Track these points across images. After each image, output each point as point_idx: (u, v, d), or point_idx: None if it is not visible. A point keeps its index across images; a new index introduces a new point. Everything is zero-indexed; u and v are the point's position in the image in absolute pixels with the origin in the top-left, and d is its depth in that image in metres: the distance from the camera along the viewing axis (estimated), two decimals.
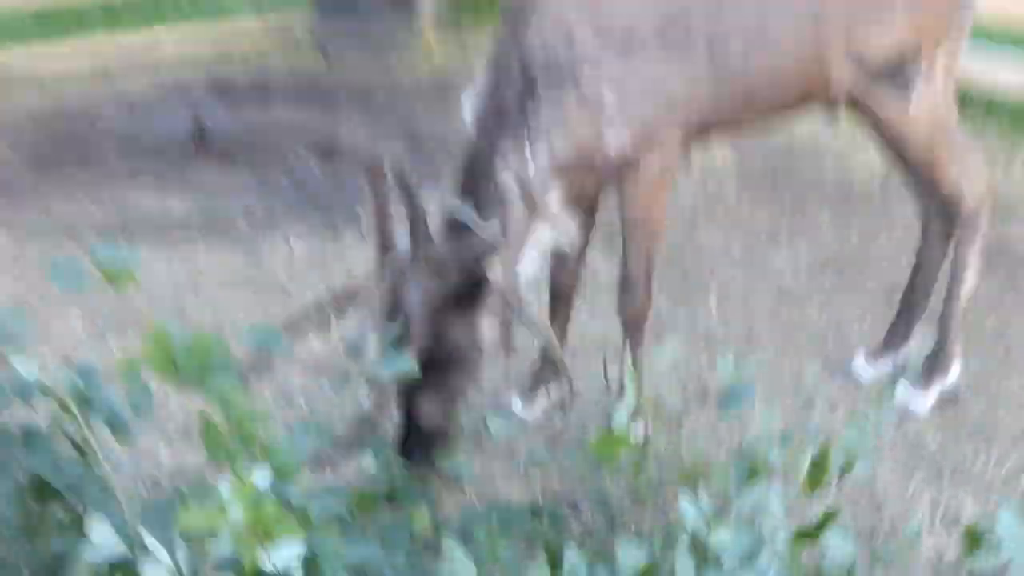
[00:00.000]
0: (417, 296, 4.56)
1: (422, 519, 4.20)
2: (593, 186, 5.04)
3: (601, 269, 6.41)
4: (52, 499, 3.88)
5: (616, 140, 4.83)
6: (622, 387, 5.05)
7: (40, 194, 7.86)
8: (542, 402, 5.55)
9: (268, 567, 3.38)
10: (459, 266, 4.60)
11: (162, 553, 3.43)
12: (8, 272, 6.75)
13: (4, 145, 8.65)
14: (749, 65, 4.98)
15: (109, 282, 4.01)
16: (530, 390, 5.57)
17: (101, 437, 3.87)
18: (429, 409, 4.69)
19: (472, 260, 4.60)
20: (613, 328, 5.38)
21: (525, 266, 4.86)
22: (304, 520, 3.60)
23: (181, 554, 3.42)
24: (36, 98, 9.40)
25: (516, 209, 4.75)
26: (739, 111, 5.10)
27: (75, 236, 7.22)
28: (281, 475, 3.59)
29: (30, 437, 3.89)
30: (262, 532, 3.43)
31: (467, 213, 4.72)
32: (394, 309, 4.56)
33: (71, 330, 6.11)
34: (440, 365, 4.65)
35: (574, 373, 5.32)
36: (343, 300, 4.63)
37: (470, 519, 4.32)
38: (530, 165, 4.77)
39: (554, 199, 4.89)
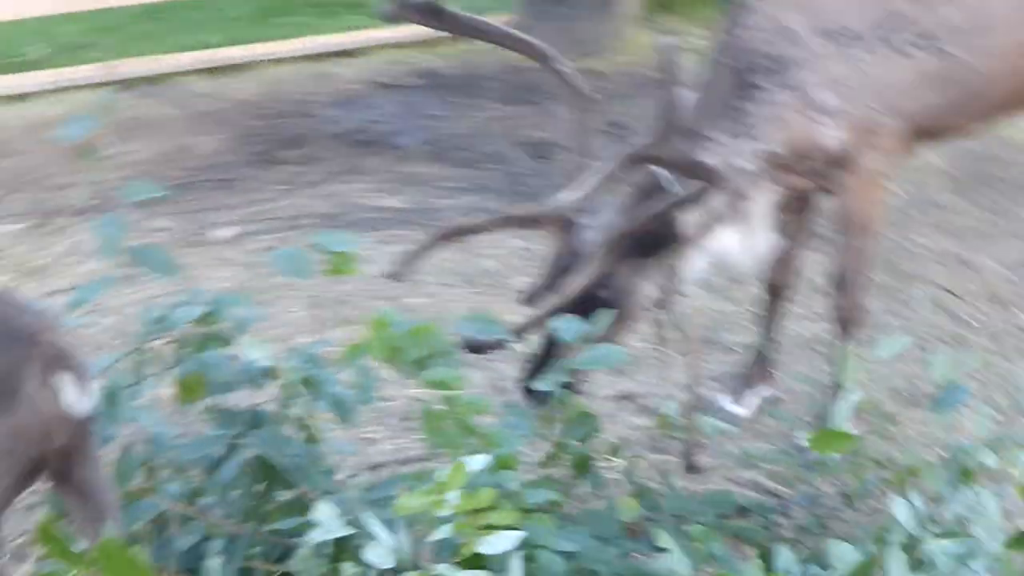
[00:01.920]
0: (599, 229, 4.50)
1: (631, 508, 4.15)
2: (807, 187, 4.93)
3: (814, 270, 6.29)
4: (276, 480, 3.91)
5: (834, 139, 4.73)
6: (835, 386, 4.93)
7: (263, 187, 7.99)
8: (752, 400, 5.46)
9: (485, 552, 3.37)
10: (649, 211, 4.50)
11: (384, 535, 3.44)
12: (235, 263, 6.86)
13: (227, 138, 8.81)
14: (979, 61, 4.83)
15: (332, 271, 4.05)
16: (739, 388, 5.48)
17: (325, 421, 3.91)
18: None
19: (664, 209, 4.50)
20: (825, 329, 5.28)
21: (695, 264, 4.77)
22: (520, 508, 3.58)
23: (402, 536, 3.42)
24: (254, 91, 9.56)
25: (716, 195, 4.65)
26: (968, 111, 4.95)
27: (297, 228, 7.31)
28: (502, 464, 3.59)
29: (257, 419, 3.93)
30: (479, 518, 3.42)
31: (666, 177, 4.63)
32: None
33: (294, 319, 6.18)
34: (595, 304, 4.54)
35: (784, 371, 5.25)
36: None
37: (679, 509, 4.26)
38: (740, 161, 4.69)
39: (763, 201, 4.80)
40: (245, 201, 7.76)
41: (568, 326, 4.09)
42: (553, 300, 4.45)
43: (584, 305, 4.41)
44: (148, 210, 7.19)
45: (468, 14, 4.74)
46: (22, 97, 9.43)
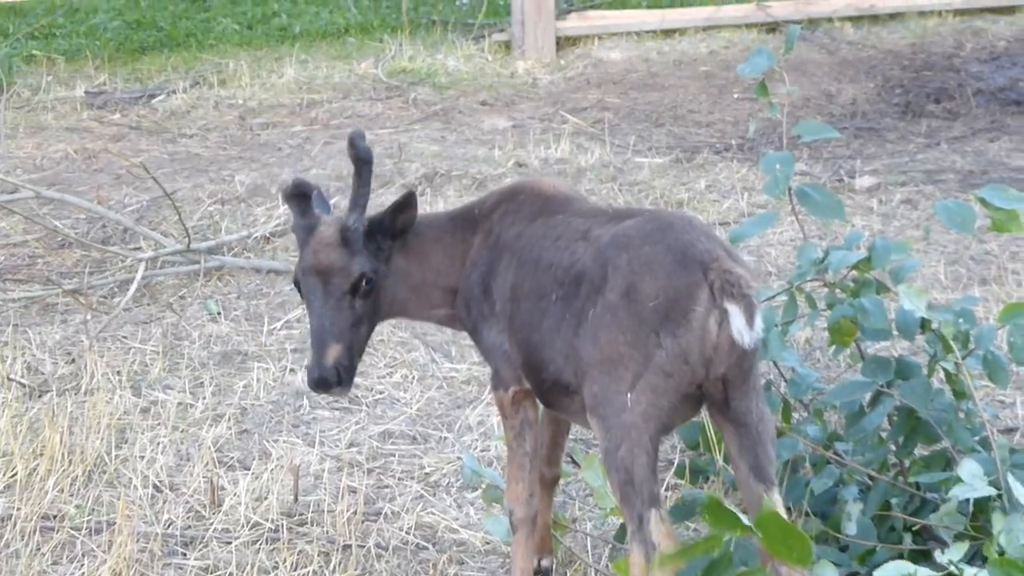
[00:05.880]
0: None
1: None
2: None
3: None
4: (919, 433, 3.85)
5: None
6: None
7: (903, 139, 7.87)
8: None
9: None
10: None
11: None
12: (873, 212, 6.80)
13: (871, 87, 8.74)
14: None
15: (995, 228, 3.92)
16: None
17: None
18: None
19: None
20: None
21: None
22: None
23: None
24: (902, 42, 9.44)
25: None
26: None
27: (936, 182, 7.16)
28: None
29: (907, 370, 3.87)
30: None
31: None
32: None
33: (931, 273, 6.03)
34: None
35: None
36: None
37: None
38: None
39: None
40: (885, 152, 7.68)
41: None
42: None
43: None
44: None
45: None
46: (672, 32, 9.69)
